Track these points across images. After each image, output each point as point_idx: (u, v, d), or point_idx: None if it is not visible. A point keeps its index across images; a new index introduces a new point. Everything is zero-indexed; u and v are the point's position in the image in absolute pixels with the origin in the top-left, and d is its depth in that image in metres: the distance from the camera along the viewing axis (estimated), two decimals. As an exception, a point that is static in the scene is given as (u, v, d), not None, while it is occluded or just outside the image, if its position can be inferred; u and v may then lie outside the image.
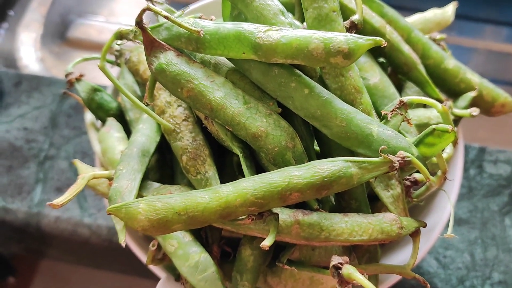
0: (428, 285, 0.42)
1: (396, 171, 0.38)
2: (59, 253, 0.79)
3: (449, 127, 0.40)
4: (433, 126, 0.40)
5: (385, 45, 0.39)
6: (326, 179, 0.38)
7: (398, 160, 0.38)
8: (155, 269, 0.47)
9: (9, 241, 0.78)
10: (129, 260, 0.58)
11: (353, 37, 0.39)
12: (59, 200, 0.39)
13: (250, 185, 0.38)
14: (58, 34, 0.96)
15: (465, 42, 0.98)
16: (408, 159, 0.38)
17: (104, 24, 0.97)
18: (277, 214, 0.39)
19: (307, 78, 0.42)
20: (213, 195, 0.38)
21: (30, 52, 0.91)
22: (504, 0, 1.02)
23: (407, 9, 1.01)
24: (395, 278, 0.48)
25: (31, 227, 0.71)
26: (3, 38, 0.93)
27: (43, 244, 0.76)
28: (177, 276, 0.47)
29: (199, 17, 0.45)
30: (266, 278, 0.47)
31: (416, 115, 0.52)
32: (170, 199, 0.38)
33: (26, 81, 0.82)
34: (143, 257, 0.47)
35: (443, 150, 0.45)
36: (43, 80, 0.82)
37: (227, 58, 0.45)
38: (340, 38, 0.39)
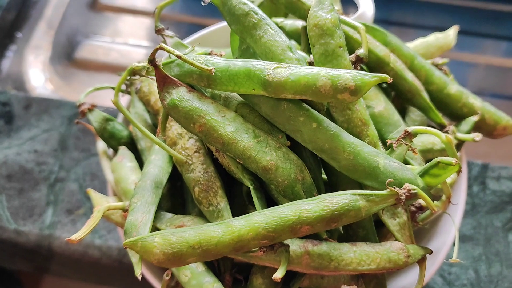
0: None
1: (402, 203, 0.40)
2: (69, 272, 0.80)
3: (453, 160, 0.41)
4: (438, 159, 0.42)
5: (390, 81, 0.40)
6: (335, 212, 0.39)
7: (404, 193, 0.40)
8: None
9: (20, 261, 0.79)
10: (139, 280, 0.59)
11: (360, 74, 0.40)
12: (77, 235, 0.40)
13: (261, 219, 0.39)
14: (66, 55, 0.97)
15: (465, 57, 0.99)
16: (414, 191, 0.40)
17: (111, 45, 0.98)
18: (288, 246, 0.41)
19: (315, 112, 0.43)
20: (226, 229, 0.39)
21: (38, 74, 0.93)
22: (503, 14, 1.04)
23: (410, 26, 1.03)
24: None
25: (43, 249, 0.72)
26: (12, 60, 0.94)
27: (54, 264, 0.77)
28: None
29: (209, 53, 0.47)
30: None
31: (420, 140, 0.54)
32: (184, 233, 0.39)
33: (36, 104, 0.83)
34: (157, 285, 0.48)
35: (447, 177, 0.46)
36: (52, 102, 0.83)
37: (236, 93, 0.46)
38: (347, 75, 0.40)
